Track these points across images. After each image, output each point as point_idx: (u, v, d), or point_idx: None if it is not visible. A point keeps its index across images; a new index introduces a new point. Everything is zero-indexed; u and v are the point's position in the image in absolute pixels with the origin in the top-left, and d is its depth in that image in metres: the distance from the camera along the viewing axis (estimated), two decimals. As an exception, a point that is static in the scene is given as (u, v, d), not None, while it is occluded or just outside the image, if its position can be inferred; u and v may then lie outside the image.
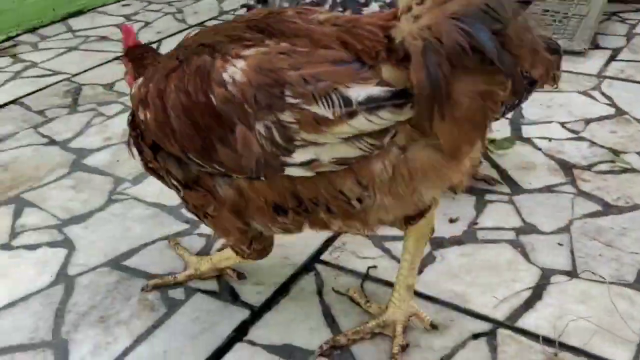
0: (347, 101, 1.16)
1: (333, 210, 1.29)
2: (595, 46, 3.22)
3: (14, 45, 3.49)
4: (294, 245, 1.90)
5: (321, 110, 1.17)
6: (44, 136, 2.55)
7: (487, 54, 1.05)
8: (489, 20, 1.05)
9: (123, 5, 4.11)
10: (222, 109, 1.24)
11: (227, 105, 1.23)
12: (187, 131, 1.30)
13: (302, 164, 1.22)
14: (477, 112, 1.14)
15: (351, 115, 1.16)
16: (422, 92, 1.10)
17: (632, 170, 2.19)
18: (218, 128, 1.26)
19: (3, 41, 3.53)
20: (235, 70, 1.23)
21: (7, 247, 1.93)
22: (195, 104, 1.27)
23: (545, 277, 1.75)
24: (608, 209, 2.01)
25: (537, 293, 1.70)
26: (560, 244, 1.87)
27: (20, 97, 2.87)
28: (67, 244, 1.93)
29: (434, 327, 1.57)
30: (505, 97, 1.16)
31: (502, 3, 1.05)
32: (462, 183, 1.35)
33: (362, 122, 1.16)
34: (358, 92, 1.15)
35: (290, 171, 1.24)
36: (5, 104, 2.82)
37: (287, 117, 1.19)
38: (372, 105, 1.15)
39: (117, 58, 3.28)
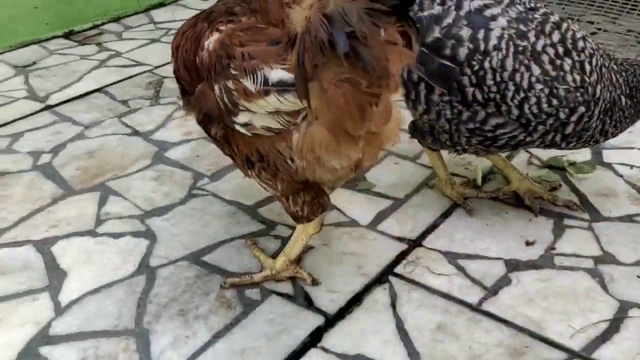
0: (265, 80, 1.41)
1: (279, 167, 1.55)
2: None
3: (100, 34, 3.62)
4: (367, 255, 1.93)
5: (248, 84, 1.43)
6: (127, 126, 2.64)
7: (338, 50, 1.23)
8: (342, 23, 1.23)
9: (202, 0, 4.20)
10: (200, 68, 1.57)
11: (202, 66, 1.56)
12: (187, 79, 1.65)
13: (243, 125, 1.51)
14: (342, 97, 1.33)
15: (267, 93, 1.42)
16: (294, 75, 1.32)
17: None
18: (199, 81, 1.60)
19: (89, 29, 3.66)
20: (211, 40, 1.54)
21: (92, 233, 2.01)
22: (188, 60, 1.62)
23: (624, 310, 1.72)
24: (692, 244, 1.95)
25: (614, 325, 1.67)
26: (639, 277, 1.83)
27: (106, 86, 2.98)
28: (149, 235, 2.00)
29: (314, 283, 1.80)
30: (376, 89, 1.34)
31: (352, 10, 1.23)
32: (361, 161, 1.55)
33: (274, 101, 1.41)
34: (275, 74, 1.40)
35: (239, 129, 1.54)
36: (92, 92, 2.93)
37: (230, 85, 1.47)
38: (280, 88, 1.40)
39: (197, 52, 3.36)
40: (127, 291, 1.78)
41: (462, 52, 1.78)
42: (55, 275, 1.84)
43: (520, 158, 2.41)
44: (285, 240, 1.97)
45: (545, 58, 1.78)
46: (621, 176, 2.30)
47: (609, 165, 2.35)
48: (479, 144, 1.93)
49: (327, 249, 1.96)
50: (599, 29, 3.50)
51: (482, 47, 1.77)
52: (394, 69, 1.33)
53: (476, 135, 1.90)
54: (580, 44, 1.83)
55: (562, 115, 1.81)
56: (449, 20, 1.80)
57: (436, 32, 1.80)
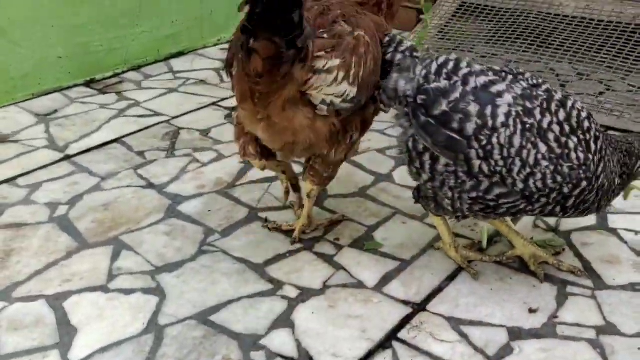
0: None
1: None
2: None
3: (120, 82, 3.73)
4: (372, 318, 1.96)
5: None
6: (142, 178, 2.71)
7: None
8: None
9: (221, 49, 4.32)
10: None
11: None
12: None
13: None
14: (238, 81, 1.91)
15: None
16: None
17: None
18: None
19: (110, 77, 3.78)
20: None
21: (104, 289, 2.07)
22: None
23: (625, 384, 1.73)
24: (695, 316, 1.97)
25: (614, 400, 1.69)
26: (640, 349, 1.85)
27: (124, 136, 3.07)
28: (159, 292, 2.05)
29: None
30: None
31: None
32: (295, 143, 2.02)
33: None
34: None
35: None
36: (110, 142, 3.02)
37: None
38: None
39: (213, 104, 3.46)
40: (136, 350, 1.82)
41: (470, 127, 1.85)
42: (66, 331, 1.89)
43: (526, 221, 2.45)
44: (292, 301, 2.01)
45: (551, 136, 1.86)
46: (625, 242, 2.32)
47: (614, 231, 2.38)
48: (480, 211, 1.99)
49: (334, 311, 2.00)
50: (609, 88, 3.56)
51: (490, 123, 1.85)
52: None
53: (478, 203, 1.95)
54: (586, 123, 1.92)
55: (565, 190, 1.87)
56: (456, 95, 1.88)
57: (444, 106, 1.87)
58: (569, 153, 1.86)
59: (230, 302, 2.01)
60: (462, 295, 2.07)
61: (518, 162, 1.85)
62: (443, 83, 1.90)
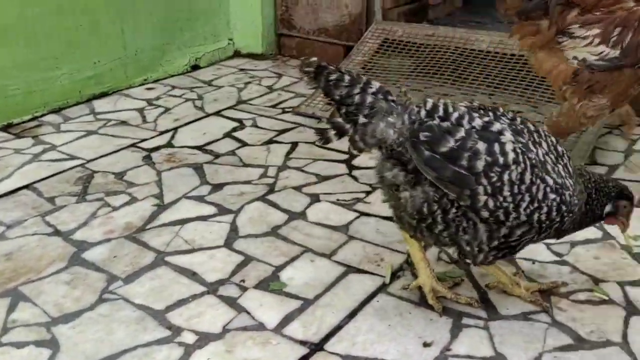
0: None
1: None
2: (593, 162, 3.29)
3: (38, 126, 3.70)
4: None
5: None
6: (49, 225, 2.68)
7: None
8: None
9: (147, 89, 4.33)
10: None
11: None
12: None
13: None
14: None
15: None
16: None
17: (610, 301, 2.23)
18: None
19: (28, 121, 3.74)
20: None
21: (-3, 343, 2.03)
22: None
23: (509, 415, 1.78)
24: (580, 343, 2.04)
25: None
26: (528, 379, 1.90)
27: (35, 182, 3.03)
28: (53, 344, 2.02)
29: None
30: None
31: None
32: None
33: None
34: None
35: None
36: (20, 189, 2.98)
37: None
38: None
39: (133, 145, 3.45)
40: (21, 406, 1.79)
41: (480, 164, 1.90)
42: (-48, 389, 1.85)
43: (430, 252, 2.51)
44: (189, 348, 2.01)
45: (549, 167, 1.96)
46: (522, 271, 2.40)
47: (511, 260, 2.46)
48: (503, 256, 2.07)
49: (230, 355, 2.00)
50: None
51: (501, 160, 1.89)
52: None
53: (501, 249, 2.03)
54: (559, 148, 2.03)
55: (566, 218, 2.00)
56: (461, 134, 1.92)
57: (451, 142, 1.90)
58: (564, 181, 1.96)
59: (125, 351, 1.99)
60: (361, 332, 2.10)
61: (527, 198, 1.91)
62: (445, 124, 1.93)
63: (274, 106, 4.06)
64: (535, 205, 1.92)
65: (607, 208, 2.11)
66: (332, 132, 2.03)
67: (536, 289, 2.26)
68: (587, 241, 2.58)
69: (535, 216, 1.94)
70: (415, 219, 2.02)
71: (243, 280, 2.37)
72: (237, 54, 5.09)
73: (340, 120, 2.01)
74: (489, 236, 1.98)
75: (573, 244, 2.55)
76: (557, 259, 2.48)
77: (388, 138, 1.96)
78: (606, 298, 2.25)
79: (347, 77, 1.97)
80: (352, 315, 2.19)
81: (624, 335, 2.07)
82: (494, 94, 3.91)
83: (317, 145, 3.52)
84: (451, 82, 4.06)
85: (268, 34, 5.02)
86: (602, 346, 2.02)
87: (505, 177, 1.90)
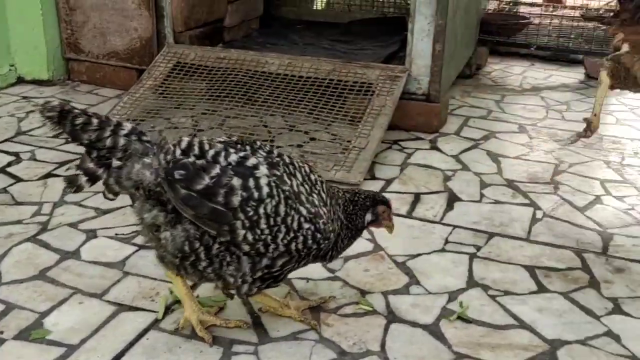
0: None
1: None
2: (372, 177, 3.50)
3: None
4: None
5: None
6: None
7: None
8: None
9: None
10: None
11: None
12: None
13: None
14: None
15: None
16: None
17: (373, 312, 2.37)
18: None
19: None
20: None
21: None
22: None
23: None
24: (342, 356, 2.13)
25: None
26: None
27: None
28: None
29: None
30: None
31: None
32: None
33: None
34: None
35: None
36: None
37: None
38: None
39: None
40: None
41: (236, 199, 1.91)
42: None
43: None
44: None
45: (303, 198, 2.00)
46: (296, 291, 2.47)
47: (287, 281, 2.52)
48: (267, 286, 2.10)
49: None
50: (312, 138, 3.82)
51: (256, 195, 1.91)
52: None
53: (265, 279, 2.06)
54: (313, 176, 2.10)
55: (322, 245, 2.06)
56: (216, 171, 1.91)
57: (206, 180, 1.89)
58: (318, 210, 2.01)
59: None
60: (126, 374, 2.03)
61: (283, 229, 1.95)
62: (200, 161, 1.92)
63: (57, 136, 3.82)
64: (292, 235, 1.99)
65: (368, 217, 2.24)
66: (83, 179, 1.96)
67: (306, 307, 2.33)
68: (359, 255, 2.72)
69: (293, 246, 2.01)
70: (178, 257, 2.00)
71: (1, 332, 2.18)
72: (20, 81, 4.76)
73: (91, 165, 1.94)
74: (252, 268, 2.02)
75: (346, 259, 2.68)
76: (330, 275, 2.58)
77: (145, 179, 1.93)
78: (370, 309, 2.38)
79: (94, 120, 1.92)
80: (118, 357, 2.10)
81: (383, 344, 2.20)
82: (290, 115, 4.02)
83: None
84: (242, 104, 4.11)
85: (54, 58, 4.75)
86: (362, 356, 2.14)
87: (261, 210, 1.95)
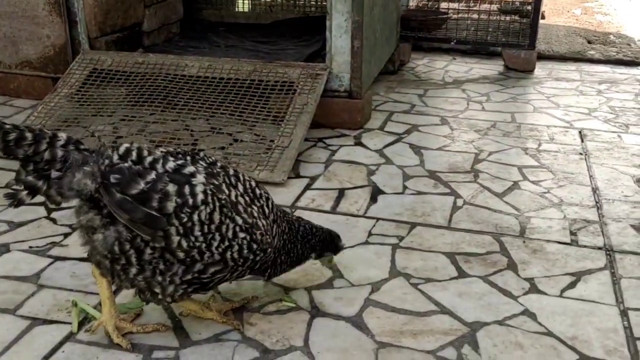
0: None
1: None
2: (297, 175, 3.50)
3: None
4: None
5: None
6: None
7: None
8: None
9: None
10: None
11: None
12: None
13: None
14: None
15: None
16: None
17: (297, 308, 2.36)
18: None
19: None
20: None
21: None
22: None
23: None
24: (265, 354, 2.12)
25: None
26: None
27: None
28: None
29: None
30: None
31: None
32: None
33: None
34: None
35: None
36: None
37: None
38: None
39: None
40: None
41: (170, 205, 1.89)
42: None
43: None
44: None
45: (241, 208, 2.01)
46: (219, 293, 2.44)
47: (209, 284, 2.48)
48: (194, 291, 2.08)
49: None
50: (236, 140, 3.79)
51: (190, 202, 1.91)
52: None
53: (193, 284, 2.03)
54: (258, 191, 2.12)
55: (258, 257, 2.08)
56: (152, 176, 1.90)
57: (142, 185, 1.88)
58: (256, 221, 2.02)
59: None
60: (40, 389, 1.95)
61: (218, 237, 1.94)
62: (135, 167, 1.90)
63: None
64: (227, 243, 1.99)
65: (312, 256, 2.35)
66: (23, 193, 1.89)
67: (228, 308, 2.30)
68: (282, 252, 2.71)
69: (228, 254, 2.01)
70: (108, 259, 1.97)
71: None
72: None
73: (30, 178, 1.89)
74: (185, 270, 1.99)
75: (269, 257, 2.66)
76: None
77: (86, 187, 1.90)
78: (294, 305, 2.37)
79: (28, 135, 1.86)
80: (31, 372, 2.02)
81: (306, 339, 2.20)
82: (209, 117, 3.97)
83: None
84: (163, 109, 4.04)
85: (-37, 70, 4.55)
86: (285, 353, 2.13)
87: (195, 217, 1.94)
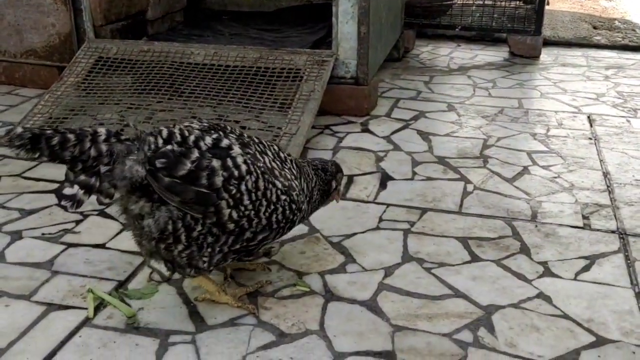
0: None
1: None
2: (305, 161, 3.48)
3: None
4: None
5: None
6: None
7: None
8: None
9: None
10: None
11: None
12: None
13: None
14: None
15: None
16: None
17: (311, 292, 2.36)
18: None
19: None
20: None
21: None
22: None
23: None
24: (282, 338, 2.12)
25: None
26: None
27: None
28: None
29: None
30: None
31: None
32: None
33: None
34: None
35: None
36: None
37: None
38: None
39: None
40: None
41: (218, 180, 1.95)
42: None
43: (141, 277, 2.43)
44: None
45: (277, 172, 2.11)
46: (233, 278, 2.44)
47: (221, 268, 2.48)
48: (240, 258, 2.21)
49: None
50: (243, 127, 3.77)
51: (236, 173, 1.97)
52: None
53: (241, 252, 2.13)
54: (282, 154, 2.22)
55: (296, 217, 2.21)
56: (195, 154, 1.95)
57: (188, 165, 1.92)
58: (291, 183, 2.13)
59: None
60: (55, 375, 1.95)
61: (265, 202, 2.03)
62: (177, 148, 1.94)
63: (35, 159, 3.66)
64: (272, 207, 2.08)
65: (333, 184, 2.42)
66: (80, 192, 1.91)
67: (243, 293, 2.31)
68: (295, 238, 2.71)
69: (274, 217, 2.10)
70: (155, 239, 2.01)
71: None
72: None
73: (83, 177, 1.91)
74: (234, 240, 2.07)
75: (282, 243, 2.67)
76: (266, 260, 2.56)
77: (137, 174, 1.94)
78: (308, 290, 2.37)
79: (70, 136, 1.90)
80: (49, 357, 2.02)
81: (321, 322, 2.19)
82: (220, 105, 3.96)
83: (23, 178, 3.25)
84: (169, 97, 4.02)
85: (-33, 59, 4.53)
86: (302, 337, 2.12)
87: (243, 187, 2.01)
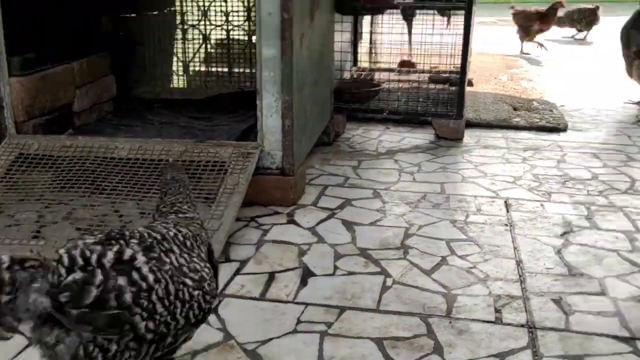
0: None
1: None
2: (226, 259, 3.48)
3: None
4: None
5: None
6: None
7: None
8: None
9: None
10: None
11: None
12: None
13: None
14: None
15: None
16: None
17: (220, 409, 2.31)
18: None
19: None
20: None
21: None
22: None
23: None
24: None
25: None
26: None
27: None
28: None
29: None
30: None
31: None
32: None
33: None
34: None
35: None
36: None
37: None
38: None
39: None
40: None
41: (127, 297, 1.87)
42: None
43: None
44: None
45: (185, 269, 2.05)
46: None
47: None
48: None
49: None
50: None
51: (144, 285, 1.91)
52: None
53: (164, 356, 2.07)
54: (188, 242, 2.14)
55: (213, 305, 2.16)
56: (99, 277, 1.86)
57: (94, 291, 1.84)
58: (201, 274, 2.08)
59: None
60: None
61: (179, 304, 1.99)
62: (79, 274, 1.84)
63: None
64: (187, 306, 2.04)
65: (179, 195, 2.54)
66: None
67: None
68: (207, 347, 2.67)
69: (191, 314, 2.06)
70: None
71: None
72: None
73: None
74: (155, 348, 2.01)
75: (194, 354, 2.62)
76: (177, 372, 2.50)
77: (41, 306, 1.83)
78: (217, 406, 2.32)
79: None
80: None
81: None
82: (139, 200, 3.93)
83: None
84: (90, 193, 3.98)
85: None
86: None
87: (154, 297, 1.95)
